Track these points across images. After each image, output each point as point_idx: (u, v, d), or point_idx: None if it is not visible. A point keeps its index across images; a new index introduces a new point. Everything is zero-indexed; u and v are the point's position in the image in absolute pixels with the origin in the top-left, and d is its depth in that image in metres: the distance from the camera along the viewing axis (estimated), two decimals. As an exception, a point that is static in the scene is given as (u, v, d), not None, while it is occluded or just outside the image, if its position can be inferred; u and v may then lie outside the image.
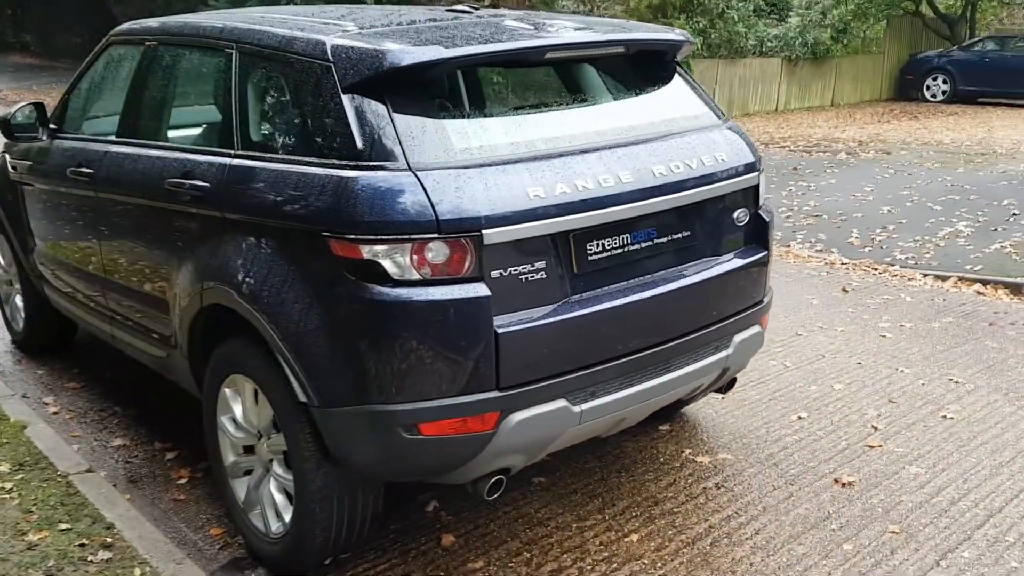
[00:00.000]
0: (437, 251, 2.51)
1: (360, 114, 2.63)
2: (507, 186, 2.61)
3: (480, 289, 2.54)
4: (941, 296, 6.14)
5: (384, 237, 2.50)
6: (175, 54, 3.52)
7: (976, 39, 19.86)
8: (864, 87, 19.98)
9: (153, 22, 3.77)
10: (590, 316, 2.72)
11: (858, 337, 5.29)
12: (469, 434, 2.63)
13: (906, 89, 19.65)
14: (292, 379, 2.70)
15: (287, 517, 2.95)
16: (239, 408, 3.10)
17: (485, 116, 2.94)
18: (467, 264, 2.53)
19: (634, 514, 3.41)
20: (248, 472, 3.17)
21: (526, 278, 2.63)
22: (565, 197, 2.66)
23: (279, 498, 3.00)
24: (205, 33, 3.26)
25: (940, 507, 3.45)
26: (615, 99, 3.17)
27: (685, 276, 3.00)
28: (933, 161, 11.22)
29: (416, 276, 2.52)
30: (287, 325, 2.68)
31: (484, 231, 2.53)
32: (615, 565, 3.11)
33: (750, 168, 3.22)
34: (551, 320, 2.66)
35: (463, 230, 2.52)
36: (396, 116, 2.64)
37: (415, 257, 2.51)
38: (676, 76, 3.29)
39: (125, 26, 3.93)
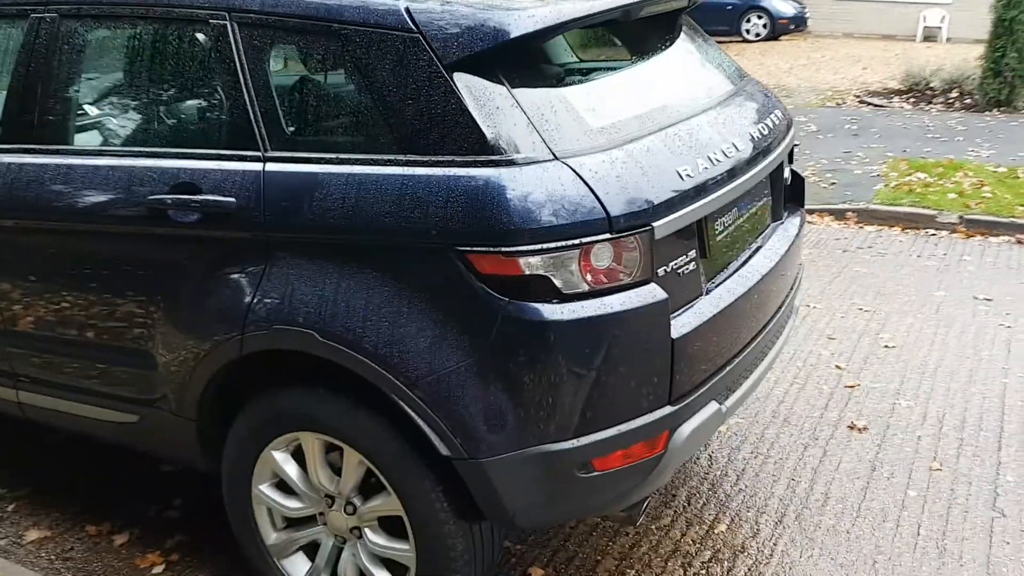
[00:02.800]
0: (606, 253, 2.09)
1: (479, 97, 2.11)
2: (659, 167, 2.23)
3: (656, 292, 2.16)
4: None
5: (549, 245, 2.03)
6: (90, 28, 2.65)
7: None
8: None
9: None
10: (732, 305, 2.43)
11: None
12: (643, 460, 2.26)
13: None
14: (429, 431, 2.16)
15: (396, 593, 2.41)
16: (295, 472, 2.47)
17: (599, 87, 2.48)
18: (639, 265, 2.13)
19: (701, 501, 3.20)
20: (300, 548, 2.56)
21: (681, 272, 2.28)
22: (707, 173, 2.33)
23: (382, 574, 2.43)
24: (171, 2, 2.47)
25: (956, 435, 3.59)
26: (675, 59, 2.83)
27: (778, 244, 2.79)
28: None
29: (585, 287, 2.08)
30: (414, 367, 2.12)
31: (654, 223, 2.14)
32: (726, 562, 2.89)
33: (791, 124, 3.05)
34: (708, 316, 2.33)
35: (635, 226, 2.11)
36: (520, 96, 2.15)
37: (582, 264, 2.07)
38: (699, 32, 3.02)
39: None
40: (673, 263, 2.24)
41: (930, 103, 10.84)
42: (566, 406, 2.12)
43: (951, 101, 10.77)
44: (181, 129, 2.54)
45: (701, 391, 2.35)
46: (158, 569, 2.94)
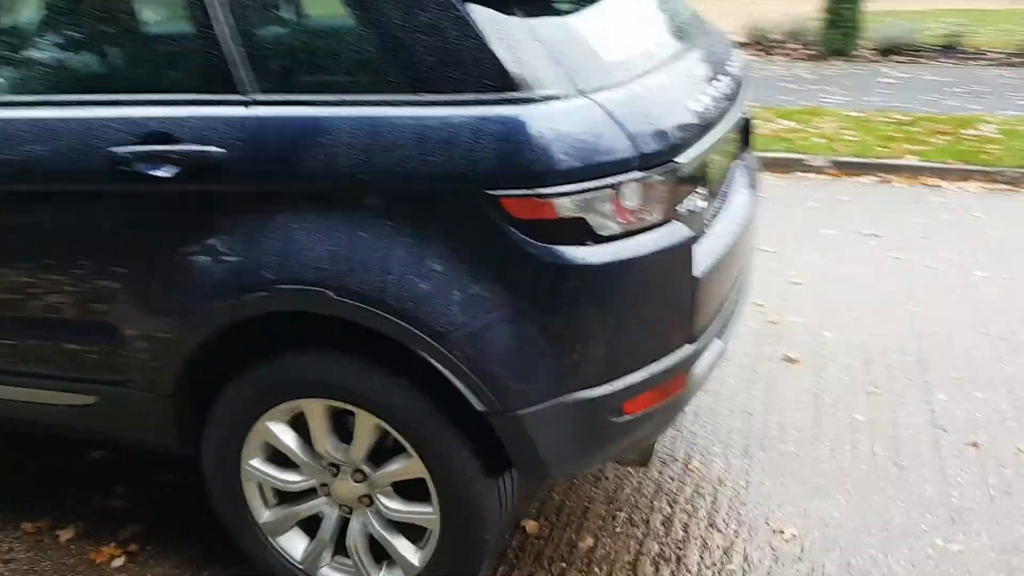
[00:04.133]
0: (636, 192, 2.04)
1: (497, 30, 1.99)
2: (674, 102, 2.20)
3: (681, 230, 2.14)
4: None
5: (585, 185, 1.96)
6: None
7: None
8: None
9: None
10: (729, 242, 2.44)
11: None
12: (666, 401, 2.25)
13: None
14: (462, 387, 2.06)
15: (418, 558, 2.30)
16: (295, 443, 2.31)
17: (597, 21, 2.38)
18: (666, 202, 2.10)
19: (669, 440, 3.25)
20: (296, 523, 2.41)
21: (693, 209, 2.26)
22: (709, 108, 2.32)
23: (399, 541, 2.32)
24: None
25: (882, 361, 3.81)
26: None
27: (744, 181, 2.83)
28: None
29: (618, 228, 2.03)
30: (443, 321, 2.01)
31: (677, 159, 2.11)
32: (708, 496, 2.95)
33: (746, 62, 3.09)
34: (718, 253, 2.34)
35: (662, 162, 2.07)
36: (536, 29, 2.05)
37: (615, 204, 2.02)
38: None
39: None
40: (687, 200, 2.21)
41: (771, 54, 11.34)
42: (600, 352, 2.08)
43: (793, 51, 11.31)
44: (143, 72, 2.27)
45: (710, 329, 2.36)
46: (118, 562, 2.71)
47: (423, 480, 2.23)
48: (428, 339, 2.02)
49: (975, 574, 2.59)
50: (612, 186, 1.98)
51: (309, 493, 2.38)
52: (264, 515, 2.41)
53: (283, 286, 2.08)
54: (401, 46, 2.01)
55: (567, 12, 2.19)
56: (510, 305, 2.01)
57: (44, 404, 2.51)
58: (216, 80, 2.11)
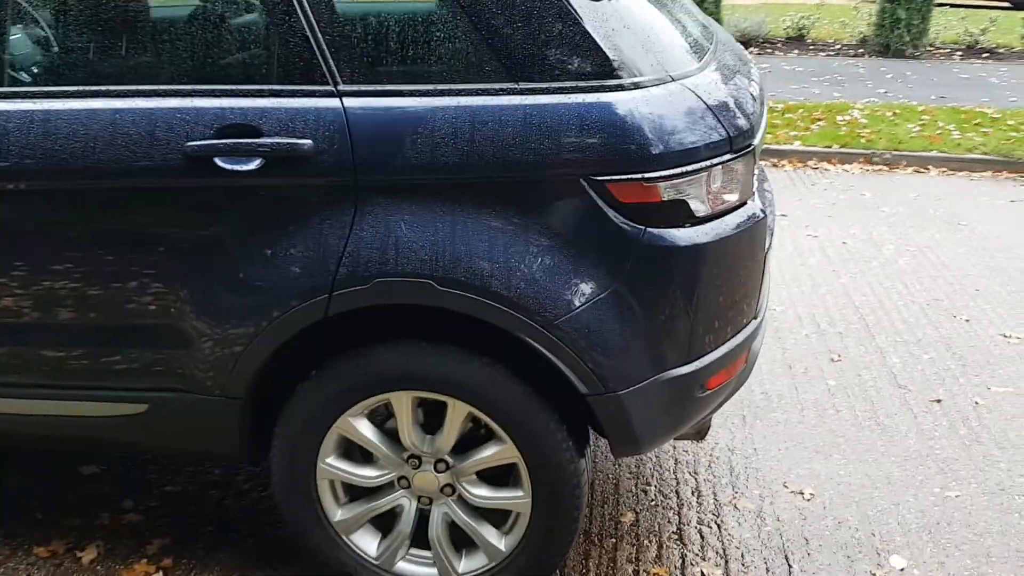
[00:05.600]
0: (723, 174, 2.14)
1: (595, 18, 2.04)
2: (741, 87, 2.31)
3: (756, 209, 2.26)
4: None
5: (685, 168, 2.04)
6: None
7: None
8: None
9: None
10: (768, 221, 2.58)
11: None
12: (736, 375, 2.37)
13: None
14: (567, 370, 2.09)
15: (504, 543, 2.32)
16: (376, 437, 2.27)
17: (657, 10, 2.43)
18: (743, 182, 2.21)
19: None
20: (374, 516, 2.39)
21: (756, 189, 2.37)
22: (759, 91, 2.45)
23: (485, 528, 2.33)
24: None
25: (834, 331, 4.10)
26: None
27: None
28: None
29: (709, 209, 2.13)
30: (550, 307, 2.04)
31: (754, 141, 2.23)
32: (723, 463, 3.10)
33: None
34: (770, 231, 2.47)
35: (745, 144, 2.18)
36: (626, 16, 2.11)
37: (706, 186, 2.11)
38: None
39: None
40: (754, 180, 2.33)
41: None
42: (692, 330, 2.17)
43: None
44: (218, 63, 2.15)
45: (764, 304, 2.50)
46: (157, 577, 2.57)
47: (507, 466, 2.25)
48: (537, 326, 2.05)
49: (975, 515, 2.86)
50: (707, 168, 2.07)
51: (386, 487, 2.35)
52: (337, 513, 2.36)
53: (384, 279, 2.05)
54: (498, 34, 2.01)
55: (638, 2, 2.26)
56: (614, 288, 2.07)
57: (83, 417, 2.34)
58: (300, 70, 2.04)
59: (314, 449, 2.27)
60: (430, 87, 2.04)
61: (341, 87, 2.04)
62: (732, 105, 2.18)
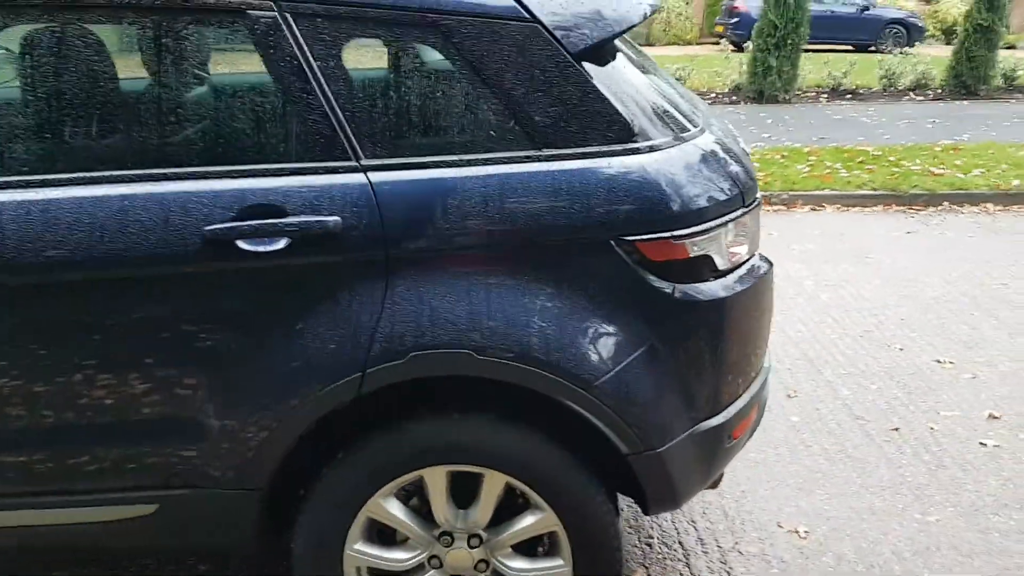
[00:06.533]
0: (736, 229, 2.20)
1: (609, 85, 2.08)
2: (737, 146, 2.39)
3: (766, 260, 2.33)
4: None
5: (709, 225, 2.09)
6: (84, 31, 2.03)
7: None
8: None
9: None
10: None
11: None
12: (752, 424, 2.42)
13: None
14: (608, 431, 2.09)
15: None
16: (408, 517, 2.20)
17: (647, 76, 2.47)
18: (751, 235, 2.28)
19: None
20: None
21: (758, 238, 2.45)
22: (746, 149, 2.54)
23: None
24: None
25: (782, 367, 4.23)
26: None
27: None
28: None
29: (728, 263, 2.18)
30: (589, 368, 2.03)
31: (758, 194, 2.31)
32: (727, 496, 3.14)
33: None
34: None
35: (753, 198, 2.26)
36: (631, 82, 2.17)
37: (724, 241, 2.17)
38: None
39: None
40: (758, 234, 2.41)
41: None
42: (720, 381, 2.20)
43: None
44: (232, 144, 2.06)
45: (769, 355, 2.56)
46: None
47: (537, 536, 2.22)
48: (577, 388, 2.04)
49: (958, 537, 2.98)
50: (726, 223, 2.13)
51: (416, 570, 2.27)
52: (364, 605, 2.26)
53: (421, 352, 2.00)
54: (518, 104, 2.02)
55: (634, 71, 2.32)
56: (648, 345, 2.08)
57: (82, 524, 2.17)
58: (322, 147, 2.00)
59: (342, 535, 2.18)
60: (453, 158, 2.02)
61: (365, 162, 2.00)
62: (735, 162, 2.26)
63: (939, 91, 12.19)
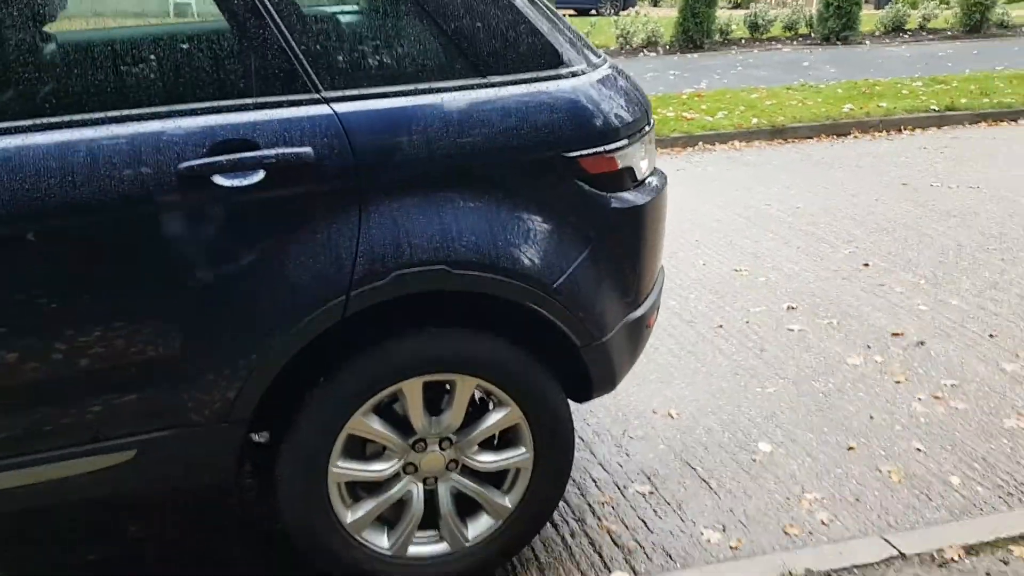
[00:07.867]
0: (644, 143, 2.55)
1: (536, 17, 2.34)
2: (626, 72, 2.73)
3: (663, 172, 2.70)
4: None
5: (631, 139, 2.42)
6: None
7: None
8: None
9: None
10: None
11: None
12: (656, 317, 2.79)
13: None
14: (566, 328, 2.36)
15: (509, 500, 2.52)
16: (387, 429, 2.36)
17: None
18: (653, 150, 2.63)
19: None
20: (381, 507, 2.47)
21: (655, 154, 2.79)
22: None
23: (490, 491, 2.50)
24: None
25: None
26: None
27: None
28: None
29: (642, 174, 2.52)
30: (548, 274, 2.30)
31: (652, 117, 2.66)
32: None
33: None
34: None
35: (650, 117, 2.61)
36: (549, 14, 2.44)
37: (639, 154, 2.51)
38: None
39: None
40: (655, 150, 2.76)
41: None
42: (641, 278, 2.55)
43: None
44: (194, 81, 2.08)
45: (658, 257, 2.95)
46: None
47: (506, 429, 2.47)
48: (541, 292, 2.30)
49: (793, 404, 3.58)
50: (641, 136, 2.47)
51: (393, 478, 2.44)
52: (348, 516, 2.40)
53: (401, 271, 2.17)
54: (463, 35, 2.23)
55: (540, 5, 2.57)
56: (590, 249, 2.38)
57: (57, 479, 2.14)
58: (282, 81, 2.09)
59: (327, 454, 2.30)
60: (410, 87, 2.19)
61: (325, 94, 2.12)
62: (635, 86, 2.60)
63: (668, 46, 13.40)
